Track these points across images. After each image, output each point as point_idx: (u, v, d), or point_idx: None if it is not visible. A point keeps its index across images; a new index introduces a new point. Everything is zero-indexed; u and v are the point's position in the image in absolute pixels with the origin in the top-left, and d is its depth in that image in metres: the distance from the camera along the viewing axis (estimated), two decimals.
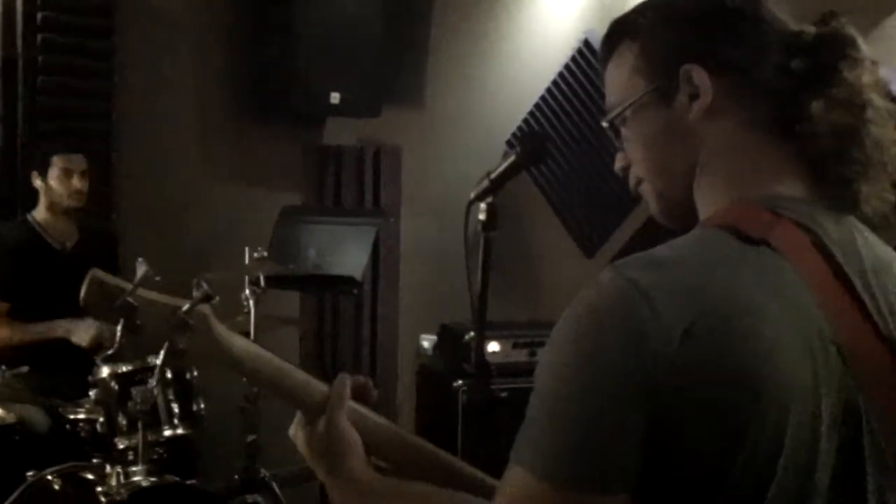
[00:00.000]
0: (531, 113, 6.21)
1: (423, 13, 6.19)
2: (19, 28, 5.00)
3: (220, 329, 1.46)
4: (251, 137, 5.73)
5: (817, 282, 1.16)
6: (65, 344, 4.33)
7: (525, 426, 1.12)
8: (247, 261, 4.58)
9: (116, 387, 3.75)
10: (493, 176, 2.55)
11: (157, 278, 1.45)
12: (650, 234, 1.19)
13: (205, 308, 1.44)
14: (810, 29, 1.28)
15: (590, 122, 5.83)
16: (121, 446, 3.71)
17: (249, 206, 5.55)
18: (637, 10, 1.37)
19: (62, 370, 4.30)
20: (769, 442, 1.08)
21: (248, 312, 4.49)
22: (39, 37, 5.06)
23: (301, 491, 4.80)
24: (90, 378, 3.82)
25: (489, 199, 2.56)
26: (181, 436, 3.91)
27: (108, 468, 3.64)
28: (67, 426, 3.90)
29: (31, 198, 4.67)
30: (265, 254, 4.64)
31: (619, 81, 1.37)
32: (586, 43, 5.86)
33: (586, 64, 5.88)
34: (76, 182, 4.59)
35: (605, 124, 1.40)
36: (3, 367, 3.94)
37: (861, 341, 1.16)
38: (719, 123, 1.28)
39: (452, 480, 1.50)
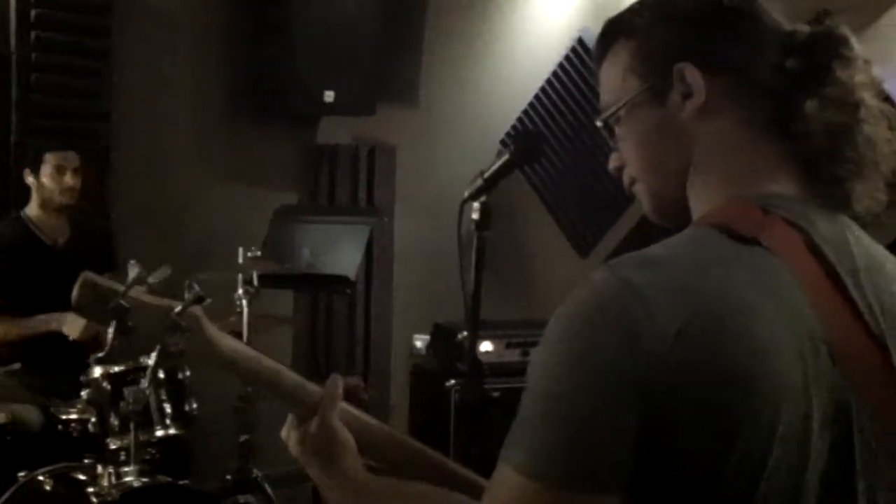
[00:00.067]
0: (525, 112, 6.21)
1: (418, 12, 6.19)
2: (13, 26, 5.00)
3: (212, 330, 1.46)
4: (246, 136, 5.72)
5: (809, 281, 1.16)
6: (57, 341, 4.32)
7: (516, 425, 1.12)
8: (240, 260, 4.58)
9: (109, 387, 3.75)
10: (486, 175, 2.55)
11: (150, 280, 1.45)
12: (644, 234, 1.19)
13: (197, 309, 1.44)
14: (804, 28, 1.29)
15: (584, 121, 5.82)
16: (113, 446, 3.71)
17: (243, 205, 5.55)
18: (632, 10, 1.37)
19: (55, 368, 4.29)
20: (761, 441, 1.08)
21: (241, 312, 4.48)
22: (33, 34, 5.05)
23: (294, 491, 4.79)
24: (82, 378, 3.81)
25: (482, 199, 2.56)
26: (173, 436, 3.91)
27: (99, 468, 3.65)
28: (59, 426, 3.89)
29: (24, 195, 4.67)
30: (259, 253, 4.64)
31: (614, 80, 1.36)
32: (580, 42, 5.86)
33: (580, 63, 5.87)
34: (69, 179, 4.58)
35: (599, 123, 1.40)
36: None
37: (852, 341, 1.16)
38: (713, 122, 1.28)
39: (444, 480, 1.50)
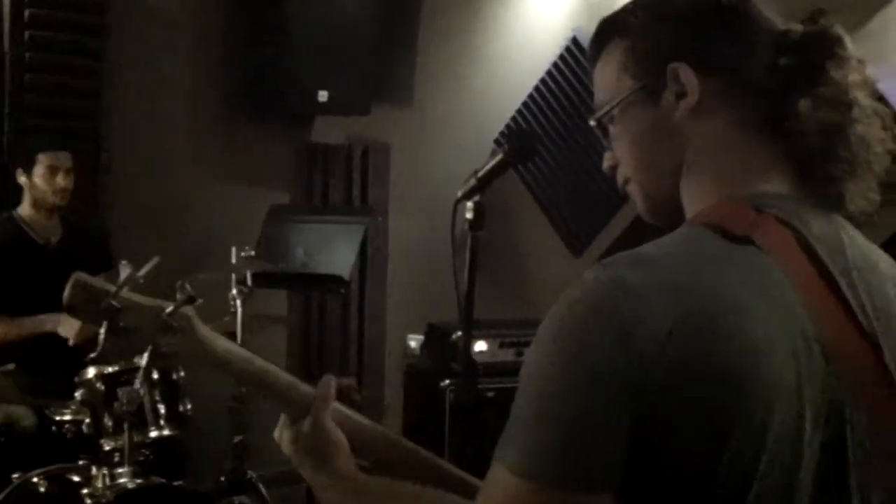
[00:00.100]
0: (519, 111, 6.21)
1: (412, 12, 6.18)
2: (6, 25, 4.99)
3: (204, 330, 1.46)
4: (241, 136, 5.72)
5: (802, 281, 1.16)
6: (52, 342, 4.32)
7: (510, 425, 1.12)
8: (234, 260, 4.57)
9: (102, 388, 3.73)
10: (479, 174, 2.54)
11: (140, 273, 1.45)
12: (638, 233, 1.19)
13: (188, 310, 1.44)
14: (798, 27, 1.29)
15: (578, 121, 5.82)
16: (107, 447, 3.70)
17: (238, 204, 5.55)
18: (626, 9, 1.37)
19: (49, 368, 4.28)
20: (754, 441, 1.08)
21: (235, 312, 4.48)
22: (27, 34, 5.05)
23: (288, 492, 4.79)
24: (76, 379, 3.80)
25: (476, 198, 2.55)
26: (167, 437, 3.89)
27: (94, 470, 3.63)
28: (53, 427, 3.88)
29: (17, 194, 4.66)
30: (252, 253, 4.63)
31: (608, 80, 1.37)
32: (574, 41, 5.85)
33: (574, 62, 5.87)
34: (61, 180, 4.58)
35: (592, 123, 1.40)
36: None
37: (845, 340, 1.16)
38: (706, 122, 1.28)
39: (438, 481, 1.50)
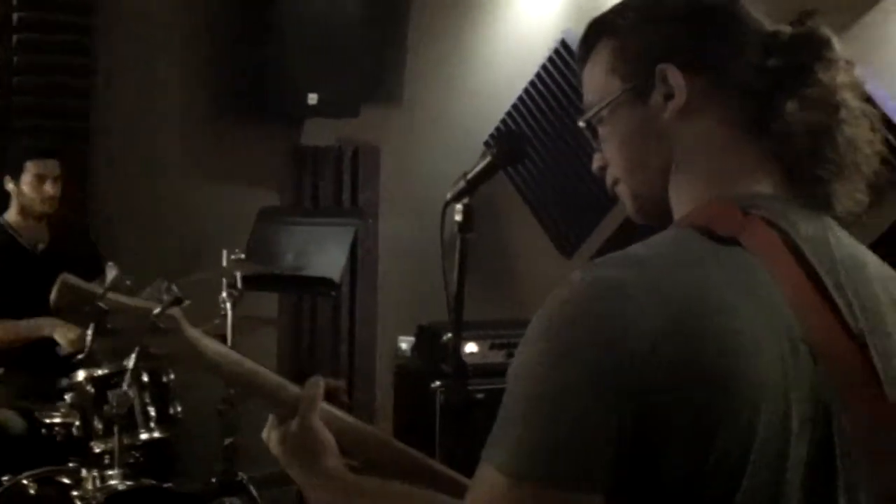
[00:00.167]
0: (509, 113, 6.20)
1: (402, 15, 6.18)
2: None
3: (192, 332, 1.46)
4: (230, 138, 5.72)
5: (788, 281, 1.16)
6: (41, 345, 4.31)
7: (498, 425, 1.11)
8: (224, 262, 4.57)
9: (92, 390, 3.73)
10: (469, 177, 2.54)
11: (128, 282, 1.45)
12: (628, 234, 1.19)
13: (175, 311, 1.44)
14: (786, 29, 1.29)
15: (567, 123, 5.82)
16: (97, 450, 3.69)
17: (227, 207, 5.54)
18: (615, 10, 1.37)
19: (38, 372, 4.27)
20: (741, 441, 1.08)
21: (226, 314, 4.48)
22: (15, 38, 5.03)
23: (279, 493, 4.78)
24: (66, 381, 3.79)
25: (465, 200, 2.55)
26: (158, 439, 3.89)
27: (83, 472, 3.63)
28: (43, 430, 3.87)
29: (4, 200, 4.65)
30: (243, 255, 4.63)
31: (597, 81, 1.37)
32: (563, 43, 5.85)
33: (563, 64, 5.87)
34: (49, 188, 4.58)
35: (581, 123, 1.40)
36: None
37: (832, 341, 1.16)
38: (694, 123, 1.28)
39: (428, 481, 1.51)
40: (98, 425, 3.71)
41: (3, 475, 3.67)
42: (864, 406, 1.15)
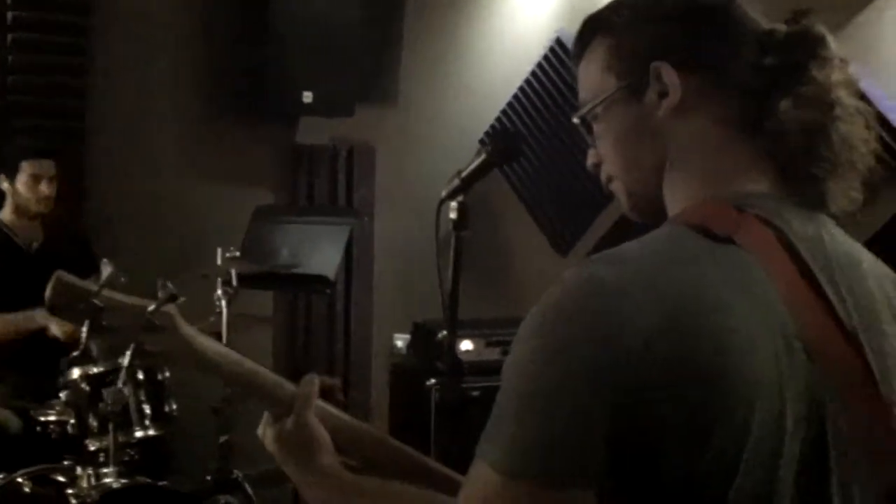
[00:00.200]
0: (504, 111, 6.21)
1: (397, 13, 6.18)
2: None
3: (187, 329, 1.46)
4: (225, 137, 5.71)
5: (783, 279, 1.16)
6: (36, 343, 4.31)
7: (491, 422, 1.11)
8: (219, 260, 4.57)
9: (87, 388, 3.72)
10: (463, 175, 2.55)
11: (123, 279, 1.44)
12: (623, 232, 1.19)
13: (171, 308, 1.44)
14: (781, 27, 1.29)
15: (562, 121, 5.82)
16: (92, 448, 3.69)
17: (223, 206, 5.53)
18: (610, 7, 1.38)
19: (33, 370, 4.27)
20: (736, 439, 1.08)
21: (221, 312, 4.48)
22: (10, 37, 5.03)
23: (274, 492, 4.78)
24: (61, 379, 3.79)
25: (460, 198, 2.55)
26: (153, 437, 3.89)
27: (78, 470, 3.62)
28: (38, 428, 3.87)
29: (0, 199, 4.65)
30: (238, 253, 4.63)
31: (591, 78, 1.37)
32: (558, 42, 5.86)
33: (558, 63, 5.87)
34: (44, 188, 4.59)
35: (576, 120, 1.40)
36: None
37: (826, 338, 1.16)
38: (689, 121, 1.28)
39: (423, 479, 1.51)
40: (93, 423, 3.71)
41: None
42: (858, 403, 1.16)
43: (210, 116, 5.68)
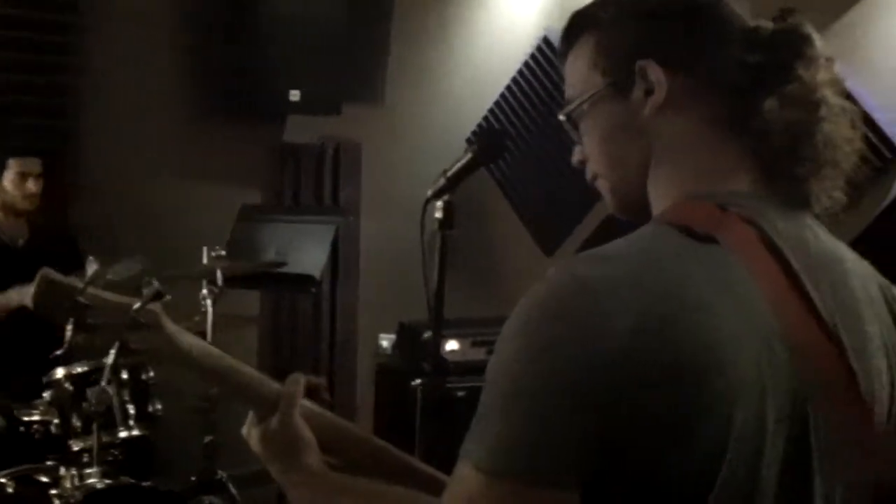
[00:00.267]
0: (491, 111, 6.20)
1: (384, 11, 6.17)
2: None
3: (172, 327, 1.45)
4: (211, 135, 5.70)
5: (766, 279, 1.16)
6: (19, 342, 4.29)
7: (475, 422, 1.11)
8: (205, 260, 4.55)
9: (71, 388, 3.71)
10: (449, 174, 2.54)
11: (110, 276, 1.44)
12: (609, 232, 1.18)
13: (156, 306, 1.43)
14: (767, 24, 1.29)
15: (549, 120, 5.81)
16: (75, 448, 3.67)
17: (208, 204, 5.52)
18: (597, 4, 1.38)
19: (16, 369, 4.25)
20: (717, 438, 1.08)
21: (206, 312, 4.46)
22: None
23: (259, 492, 4.76)
24: (44, 379, 3.77)
25: (446, 198, 2.55)
26: (137, 437, 3.87)
27: (62, 470, 3.61)
28: (21, 428, 3.85)
29: None
30: (223, 252, 4.62)
31: (578, 75, 1.37)
32: (546, 41, 5.86)
33: (546, 61, 5.87)
34: (31, 185, 4.62)
35: (562, 117, 1.39)
36: None
37: (809, 338, 1.16)
38: (674, 119, 1.28)
39: (408, 479, 1.50)
40: (77, 423, 3.69)
41: None
42: (840, 403, 1.16)
43: (197, 115, 5.67)
